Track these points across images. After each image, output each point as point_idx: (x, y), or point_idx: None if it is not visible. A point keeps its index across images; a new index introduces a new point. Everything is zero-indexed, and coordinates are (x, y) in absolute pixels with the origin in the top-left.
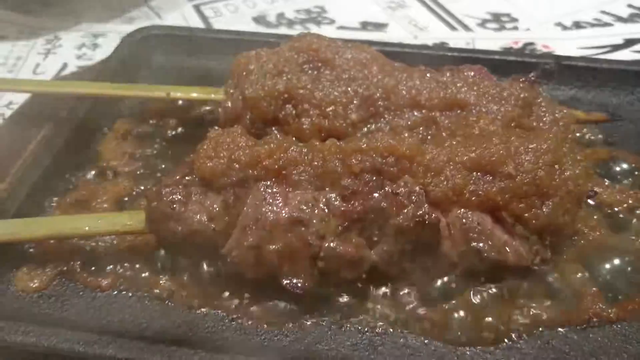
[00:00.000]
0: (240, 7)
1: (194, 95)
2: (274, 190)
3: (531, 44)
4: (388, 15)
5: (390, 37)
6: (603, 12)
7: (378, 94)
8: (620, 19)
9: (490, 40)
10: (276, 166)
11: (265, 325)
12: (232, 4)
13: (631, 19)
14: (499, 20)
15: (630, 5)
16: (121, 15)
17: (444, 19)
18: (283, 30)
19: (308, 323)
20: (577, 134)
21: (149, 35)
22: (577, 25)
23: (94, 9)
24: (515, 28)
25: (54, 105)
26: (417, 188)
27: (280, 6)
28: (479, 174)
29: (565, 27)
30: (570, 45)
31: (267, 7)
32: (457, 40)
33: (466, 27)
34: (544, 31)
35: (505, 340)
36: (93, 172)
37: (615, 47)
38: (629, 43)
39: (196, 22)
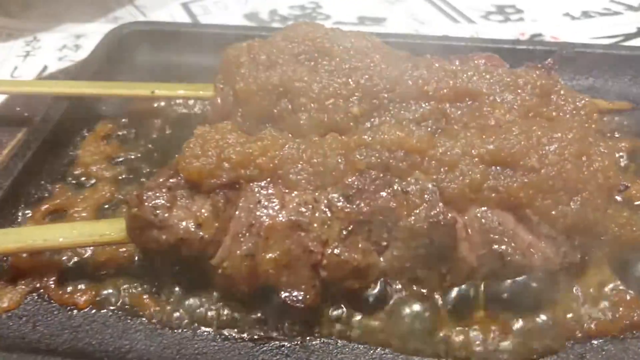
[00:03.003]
0: (230, 4)
1: (181, 92)
2: (269, 191)
3: (539, 35)
4: (386, 9)
5: (389, 31)
6: (612, 0)
7: (381, 85)
8: (630, 7)
9: (495, 33)
10: (271, 165)
11: (262, 344)
12: (221, 1)
13: None
14: (504, 11)
15: None
16: (105, 15)
17: (445, 11)
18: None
19: (311, 340)
20: (600, 124)
21: (133, 32)
22: (586, 14)
23: (76, 9)
24: (521, 19)
25: (31, 108)
26: (430, 185)
27: (273, 2)
28: (498, 167)
29: (573, 17)
30: (581, 36)
31: (258, 3)
32: (460, 33)
33: (469, 20)
34: (552, 22)
35: (535, 355)
36: (71, 179)
37: (628, 36)
38: None
39: (184, 21)
